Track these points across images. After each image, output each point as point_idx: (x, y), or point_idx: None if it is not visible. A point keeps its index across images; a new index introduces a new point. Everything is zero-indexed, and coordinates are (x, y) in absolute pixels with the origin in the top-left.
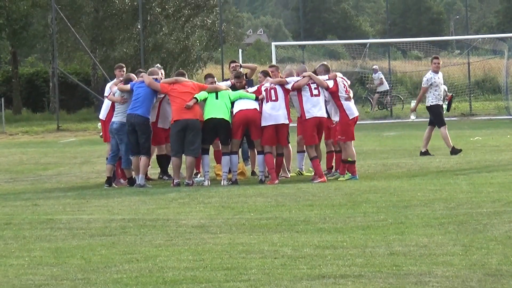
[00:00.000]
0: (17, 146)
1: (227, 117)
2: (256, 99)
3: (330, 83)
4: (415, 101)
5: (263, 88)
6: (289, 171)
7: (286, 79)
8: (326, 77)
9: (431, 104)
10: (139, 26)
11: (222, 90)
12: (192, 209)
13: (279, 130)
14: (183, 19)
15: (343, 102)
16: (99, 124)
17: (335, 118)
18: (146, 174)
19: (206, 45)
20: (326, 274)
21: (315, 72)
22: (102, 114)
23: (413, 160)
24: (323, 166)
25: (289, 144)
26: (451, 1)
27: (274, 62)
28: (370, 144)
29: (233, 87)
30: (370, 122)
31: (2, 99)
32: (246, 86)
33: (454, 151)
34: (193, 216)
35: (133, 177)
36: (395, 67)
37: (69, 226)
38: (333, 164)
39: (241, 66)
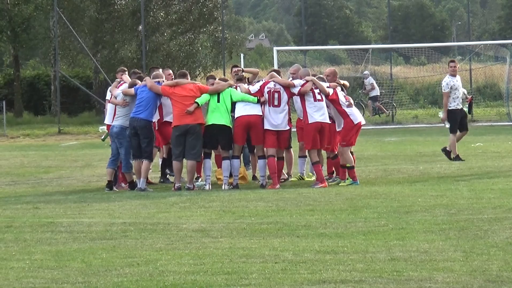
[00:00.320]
0: (18, 149)
1: (228, 122)
2: (258, 101)
3: (330, 91)
4: (441, 111)
5: (266, 89)
6: (290, 176)
7: (294, 82)
8: (327, 84)
9: (449, 108)
10: (140, 28)
11: (224, 90)
12: (193, 213)
13: (280, 135)
14: (186, 26)
15: (346, 109)
16: (101, 127)
17: (339, 128)
18: (147, 178)
19: (211, 52)
20: (326, 279)
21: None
22: (108, 119)
23: (414, 166)
24: (324, 171)
25: (291, 149)
26: (453, 7)
27: (276, 67)
28: (371, 149)
29: None
30: (371, 128)
31: (4, 102)
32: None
33: (457, 159)
34: (194, 220)
35: (134, 181)
36: (396, 73)
37: (70, 230)
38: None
39: (243, 71)
